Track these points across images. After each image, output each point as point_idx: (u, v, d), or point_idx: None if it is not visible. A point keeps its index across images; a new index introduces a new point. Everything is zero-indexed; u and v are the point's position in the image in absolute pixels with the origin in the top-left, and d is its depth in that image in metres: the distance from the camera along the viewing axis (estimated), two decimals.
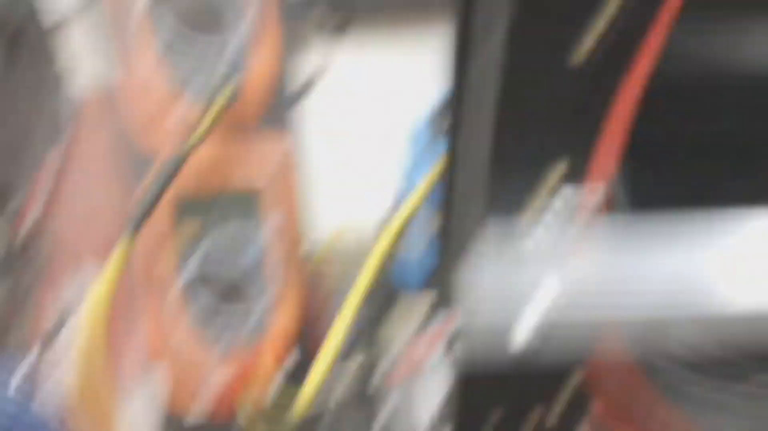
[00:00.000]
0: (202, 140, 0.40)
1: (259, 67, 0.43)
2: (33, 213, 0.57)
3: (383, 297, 0.66)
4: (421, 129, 0.59)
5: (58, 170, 0.80)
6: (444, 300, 0.48)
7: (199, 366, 0.49)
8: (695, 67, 0.39)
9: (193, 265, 0.46)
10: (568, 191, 0.32)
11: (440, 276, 0.53)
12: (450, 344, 0.45)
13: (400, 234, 0.50)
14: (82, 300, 0.48)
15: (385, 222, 0.52)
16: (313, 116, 0.55)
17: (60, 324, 0.59)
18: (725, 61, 0.40)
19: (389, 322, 0.62)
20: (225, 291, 0.47)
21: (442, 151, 0.44)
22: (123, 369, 0.75)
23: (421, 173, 0.52)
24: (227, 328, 0.47)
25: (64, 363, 0.69)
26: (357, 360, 0.60)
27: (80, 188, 0.83)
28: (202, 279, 0.46)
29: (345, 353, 0.60)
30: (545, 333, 0.31)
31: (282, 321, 0.49)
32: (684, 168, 0.40)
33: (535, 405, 0.41)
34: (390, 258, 0.62)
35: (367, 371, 0.53)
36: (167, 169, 0.40)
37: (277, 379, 0.52)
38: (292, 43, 0.44)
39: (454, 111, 0.34)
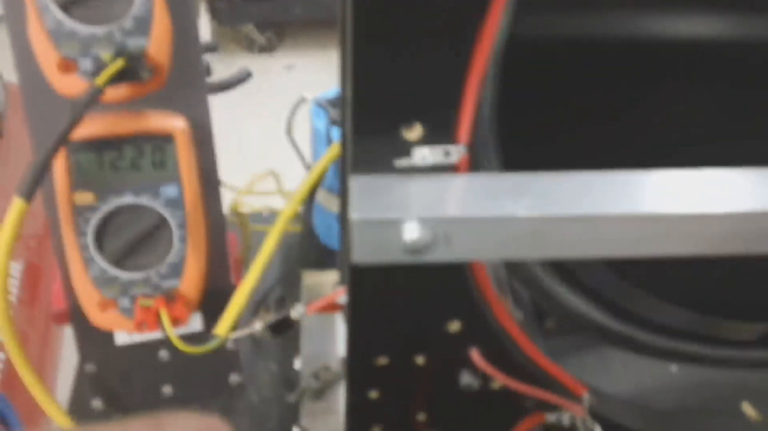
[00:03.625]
0: (90, 105, 0.41)
1: (154, 46, 0.44)
2: None
3: (305, 249, 0.69)
4: (320, 119, 0.62)
5: None
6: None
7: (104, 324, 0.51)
8: (556, 33, 0.41)
9: (89, 234, 0.47)
10: (424, 151, 0.34)
11: (345, 249, 0.56)
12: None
13: (304, 200, 0.53)
14: None
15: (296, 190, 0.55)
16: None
17: None
18: (588, 27, 0.42)
19: (312, 271, 0.65)
20: (120, 259, 0.48)
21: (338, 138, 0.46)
22: (35, 327, 0.76)
23: (321, 154, 0.55)
24: (127, 291, 0.49)
25: None
26: (275, 295, 0.63)
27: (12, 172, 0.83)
28: (98, 247, 0.48)
29: (263, 292, 0.63)
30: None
31: (186, 285, 0.50)
32: (554, 133, 0.43)
33: (418, 352, 0.44)
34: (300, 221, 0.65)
35: (285, 306, 0.56)
36: (60, 132, 0.41)
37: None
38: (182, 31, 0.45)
39: (342, 102, 0.35)
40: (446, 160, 0.34)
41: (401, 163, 0.34)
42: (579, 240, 0.34)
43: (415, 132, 0.34)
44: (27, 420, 0.71)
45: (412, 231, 0.32)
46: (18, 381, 0.78)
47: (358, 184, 0.34)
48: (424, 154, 0.34)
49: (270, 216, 0.71)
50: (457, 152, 0.34)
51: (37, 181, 0.40)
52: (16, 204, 0.41)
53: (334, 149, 0.56)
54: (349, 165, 0.35)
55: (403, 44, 0.31)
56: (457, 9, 0.30)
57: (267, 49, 2.16)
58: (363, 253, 0.34)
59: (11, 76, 1.17)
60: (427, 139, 0.34)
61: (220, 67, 0.59)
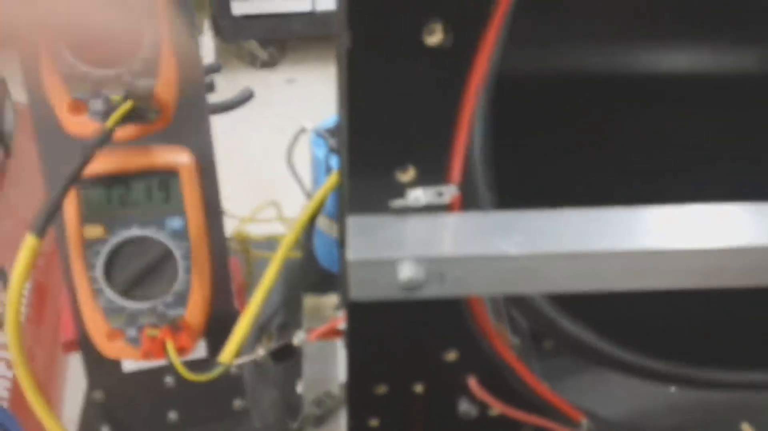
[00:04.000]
0: (101, 146, 0.43)
1: (161, 87, 0.45)
2: None
3: (307, 273, 0.71)
4: (320, 148, 0.64)
5: None
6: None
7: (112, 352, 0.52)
8: (548, 69, 0.43)
9: (98, 266, 0.49)
10: (417, 192, 0.35)
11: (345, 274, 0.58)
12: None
13: (305, 228, 0.54)
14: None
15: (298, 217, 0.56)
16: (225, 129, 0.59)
17: None
18: (579, 59, 0.43)
19: (313, 295, 0.66)
20: (128, 290, 0.50)
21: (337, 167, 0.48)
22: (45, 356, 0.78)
23: (321, 182, 0.57)
24: (134, 321, 0.51)
25: None
26: (278, 321, 0.65)
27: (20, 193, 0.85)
28: (106, 279, 0.49)
29: (266, 317, 0.64)
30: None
31: (191, 314, 0.52)
32: (544, 166, 0.44)
33: (416, 381, 0.45)
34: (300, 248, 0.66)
35: (287, 332, 0.57)
36: (71, 171, 0.43)
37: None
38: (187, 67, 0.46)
39: (340, 132, 0.37)
40: (439, 200, 0.36)
41: (396, 203, 0.36)
42: (568, 276, 0.35)
43: (408, 174, 0.35)
44: None
45: (406, 270, 0.34)
46: (26, 403, 0.80)
47: (354, 224, 0.35)
48: (417, 196, 0.35)
49: (271, 242, 0.73)
50: (449, 192, 0.36)
51: (50, 219, 0.42)
52: (29, 241, 0.43)
53: (334, 178, 0.57)
54: (346, 205, 0.36)
55: (394, 90, 0.32)
56: (445, 51, 0.31)
57: (269, 64, 2.19)
58: (360, 291, 0.35)
59: (21, 97, 1.19)
60: (420, 181, 0.35)
61: (223, 83, 0.61)
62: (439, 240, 0.36)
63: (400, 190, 0.35)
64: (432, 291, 0.35)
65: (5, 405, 0.73)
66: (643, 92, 0.45)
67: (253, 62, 2.18)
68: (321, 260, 0.69)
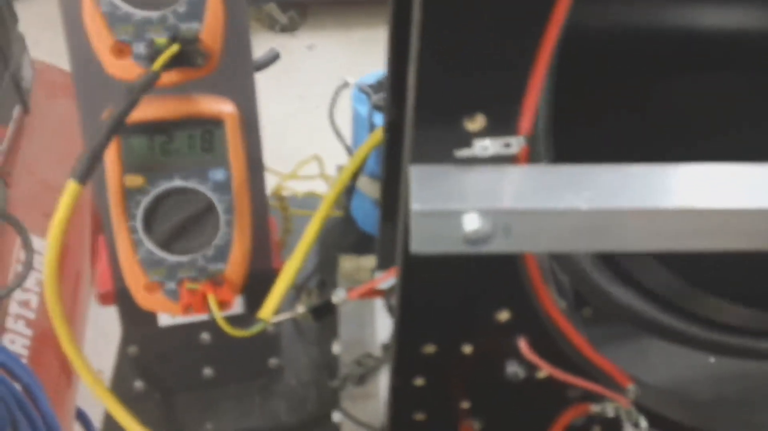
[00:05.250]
0: (147, 89, 0.41)
1: (207, 32, 0.44)
2: None
3: (343, 234, 0.70)
4: (362, 104, 0.62)
5: (16, 130, 0.81)
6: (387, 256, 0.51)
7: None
8: (617, 28, 0.41)
9: (139, 216, 0.48)
10: (485, 142, 0.34)
11: (383, 235, 0.57)
12: (390, 291, 0.48)
13: (345, 184, 0.53)
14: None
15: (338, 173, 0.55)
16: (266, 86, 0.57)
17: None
18: (650, 19, 0.41)
19: (349, 256, 0.65)
20: (168, 242, 0.49)
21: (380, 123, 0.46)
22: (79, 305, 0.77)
23: (362, 140, 0.55)
24: (173, 274, 0.50)
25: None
26: (315, 279, 0.64)
27: (37, 149, 0.84)
28: (146, 230, 0.48)
29: (305, 276, 0.64)
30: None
31: (231, 269, 0.51)
32: (610, 127, 0.43)
33: (466, 341, 0.44)
34: (340, 204, 0.65)
35: (326, 289, 0.56)
36: (111, 119, 0.41)
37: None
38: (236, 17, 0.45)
39: (390, 88, 0.35)
40: (506, 151, 0.34)
41: (461, 153, 0.34)
42: (640, 234, 0.33)
43: (476, 123, 0.33)
44: (54, 397, 0.72)
45: (472, 223, 0.32)
46: (45, 359, 0.80)
47: (417, 174, 0.34)
48: (485, 145, 0.34)
49: (305, 200, 0.71)
50: (517, 143, 0.34)
51: (92, 165, 0.41)
52: (71, 186, 0.41)
53: (377, 135, 0.56)
54: (408, 155, 0.34)
55: (469, 37, 0.31)
56: (522, 2, 0.30)
57: (289, 28, 2.15)
58: (422, 243, 0.34)
59: (38, 53, 1.17)
60: (489, 130, 0.34)
61: None
62: (505, 192, 0.34)
63: (466, 139, 0.34)
64: (497, 246, 0.33)
65: (24, 362, 0.73)
66: (713, 52, 0.43)
67: (272, 26, 2.15)
68: (358, 221, 0.68)
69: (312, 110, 1.74)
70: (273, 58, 0.63)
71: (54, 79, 1.14)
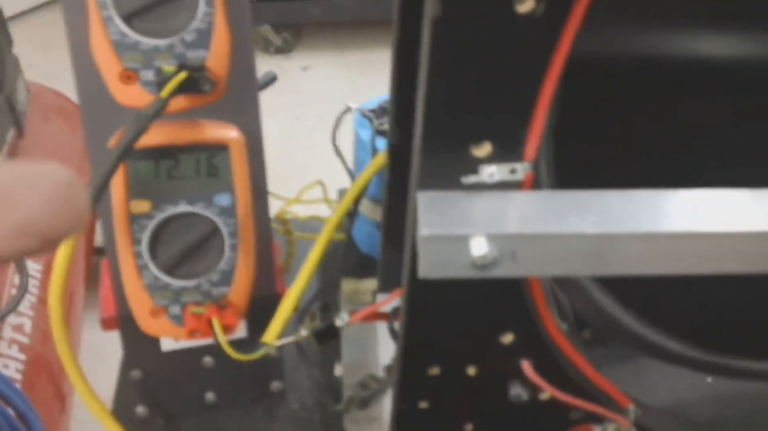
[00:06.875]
0: (156, 116, 0.42)
1: (213, 59, 0.44)
2: None
3: (345, 257, 0.70)
4: (365, 129, 0.63)
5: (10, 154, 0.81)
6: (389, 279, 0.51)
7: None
8: (621, 53, 0.42)
9: (144, 241, 0.48)
10: (492, 168, 0.35)
11: (385, 258, 0.57)
12: (393, 314, 0.49)
13: (348, 208, 0.54)
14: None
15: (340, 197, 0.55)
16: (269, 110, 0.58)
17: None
18: (652, 47, 0.42)
19: (350, 279, 0.66)
20: (173, 267, 0.49)
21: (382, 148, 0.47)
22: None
23: (364, 164, 0.56)
24: (178, 298, 0.50)
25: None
26: (319, 302, 0.64)
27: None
28: (152, 255, 0.48)
29: (308, 299, 0.64)
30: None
31: (236, 293, 0.51)
32: (610, 153, 0.43)
33: (470, 363, 0.44)
34: (342, 227, 0.66)
35: (329, 314, 0.56)
36: (120, 146, 0.42)
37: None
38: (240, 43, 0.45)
39: (394, 113, 0.36)
40: (512, 177, 0.35)
41: (468, 179, 0.35)
42: (645, 257, 0.34)
43: (483, 149, 0.34)
44: (48, 422, 0.72)
45: (480, 247, 0.33)
46: (39, 384, 0.79)
47: (425, 200, 0.35)
48: (491, 171, 0.35)
49: (307, 224, 0.72)
50: (522, 169, 0.35)
51: (100, 192, 0.41)
52: None
53: (379, 159, 0.56)
54: (416, 181, 0.35)
55: (479, 61, 0.31)
56: (535, 20, 0.30)
57: (283, 50, 2.17)
58: (430, 269, 0.34)
59: (32, 75, 1.17)
60: (495, 157, 0.34)
61: None
62: (511, 217, 0.35)
63: (473, 166, 0.35)
64: (504, 270, 0.34)
65: (18, 386, 0.73)
66: (718, 80, 0.44)
67: (267, 48, 2.16)
68: (359, 244, 0.68)
69: (307, 131, 1.75)
70: (271, 80, 0.64)
71: (49, 101, 1.15)
